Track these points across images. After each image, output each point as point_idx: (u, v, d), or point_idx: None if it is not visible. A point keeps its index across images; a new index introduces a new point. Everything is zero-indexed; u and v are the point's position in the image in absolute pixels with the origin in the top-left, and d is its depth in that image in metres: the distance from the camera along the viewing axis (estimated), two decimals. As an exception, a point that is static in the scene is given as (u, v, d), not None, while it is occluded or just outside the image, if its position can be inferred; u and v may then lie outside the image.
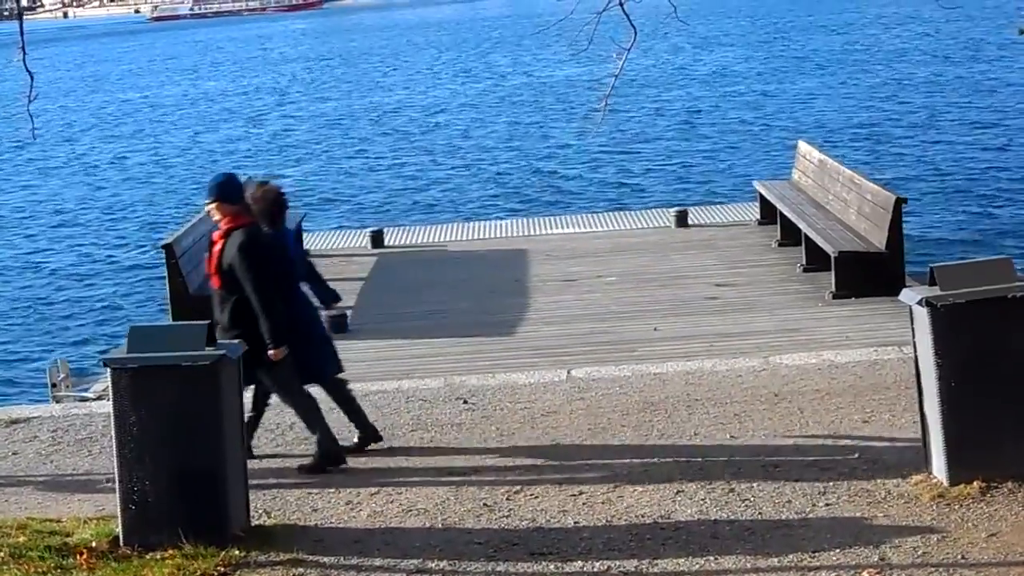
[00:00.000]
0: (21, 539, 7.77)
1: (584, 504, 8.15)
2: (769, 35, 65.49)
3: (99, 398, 11.45)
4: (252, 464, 8.63)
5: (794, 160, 18.13)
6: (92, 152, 41.00)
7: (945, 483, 7.90)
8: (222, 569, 7.36)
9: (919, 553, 7.13)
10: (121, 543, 7.66)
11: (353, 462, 9.24)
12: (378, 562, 7.50)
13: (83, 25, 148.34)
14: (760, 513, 7.83)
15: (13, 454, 9.93)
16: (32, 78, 8.93)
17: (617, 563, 7.26)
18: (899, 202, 13.64)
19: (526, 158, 32.91)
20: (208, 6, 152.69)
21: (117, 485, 7.69)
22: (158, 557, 7.46)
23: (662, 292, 14.58)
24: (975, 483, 7.81)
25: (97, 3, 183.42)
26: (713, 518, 7.80)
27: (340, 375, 9.57)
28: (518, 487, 8.51)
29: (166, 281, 14.18)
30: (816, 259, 14.56)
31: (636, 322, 13.35)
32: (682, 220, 18.16)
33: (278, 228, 9.34)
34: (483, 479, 8.71)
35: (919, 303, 7.88)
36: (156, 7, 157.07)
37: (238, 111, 49.92)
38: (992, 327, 7.84)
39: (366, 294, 15.47)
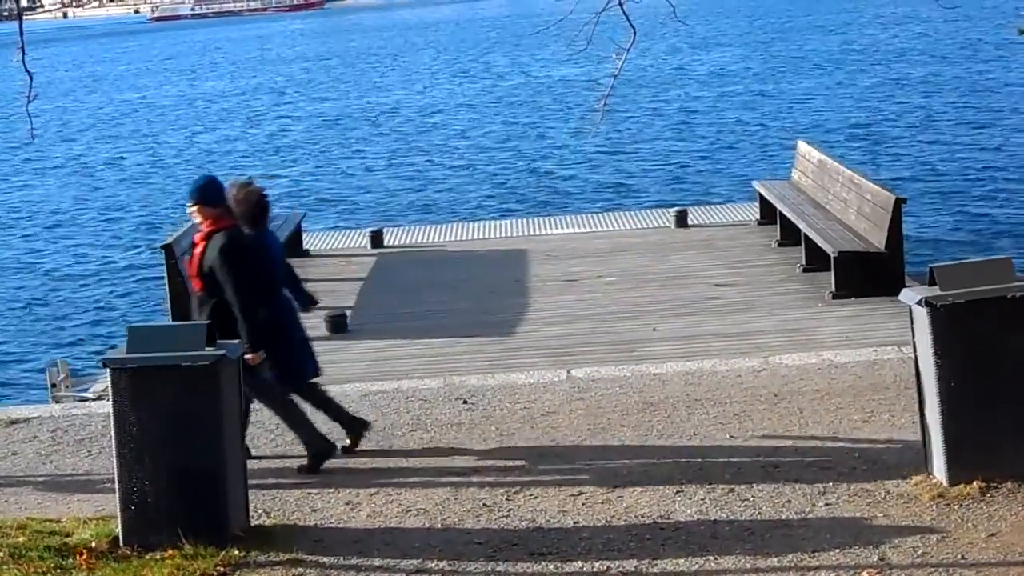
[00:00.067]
0: (21, 539, 7.77)
1: (584, 504, 8.15)
2: (767, 35, 65.49)
3: (99, 398, 11.45)
4: (251, 464, 8.64)
5: (793, 160, 18.14)
6: (90, 152, 41.00)
7: (945, 483, 7.90)
8: (222, 569, 7.37)
9: (919, 553, 7.13)
10: (121, 543, 7.67)
11: (353, 462, 9.24)
12: (378, 562, 7.50)
13: (84, 25, 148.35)
14: (759, 513, 7.83)
15: (13, 454, 9.93)
16: (31, 78, 8.93)
17: (617, 563, 7.26)
18: (899, 202, 13.64)
19: (525, 158, 32.91)
20: (209, 6, 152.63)
21: (117, 485, 7.70)
22: (158, 557, 7.47)
23: (662, 292, 14.58)
24: (975, 483, 7.81)
25: (96, 3, 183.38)
26: (713, 518, 7.80)
27: (315, 379, 9.54)
28: (518, 487, 8.51)
29: (165, 281, 14.18)
30: (816, 259, 14.57)
31: (636, 322, 13.35)
32: (682, 220, 18.16)
33: (260, 230, 9.32)
34: (483, 479, 8.71)
35: (919, 303, 7.88)
36: (157, 7, 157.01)
37: (237, 111, 49.92)
38: (992, 327, 7.84)
39: (366, 294, 15.47)
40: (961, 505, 7.68)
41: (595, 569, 7.22)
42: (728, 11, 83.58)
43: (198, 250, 8.88)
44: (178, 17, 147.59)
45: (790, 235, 15.92)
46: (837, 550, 7.23)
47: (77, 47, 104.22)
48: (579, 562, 7.31)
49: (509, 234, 18.87)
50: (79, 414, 10.83)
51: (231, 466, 7.77)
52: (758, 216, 17.90)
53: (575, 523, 7.88)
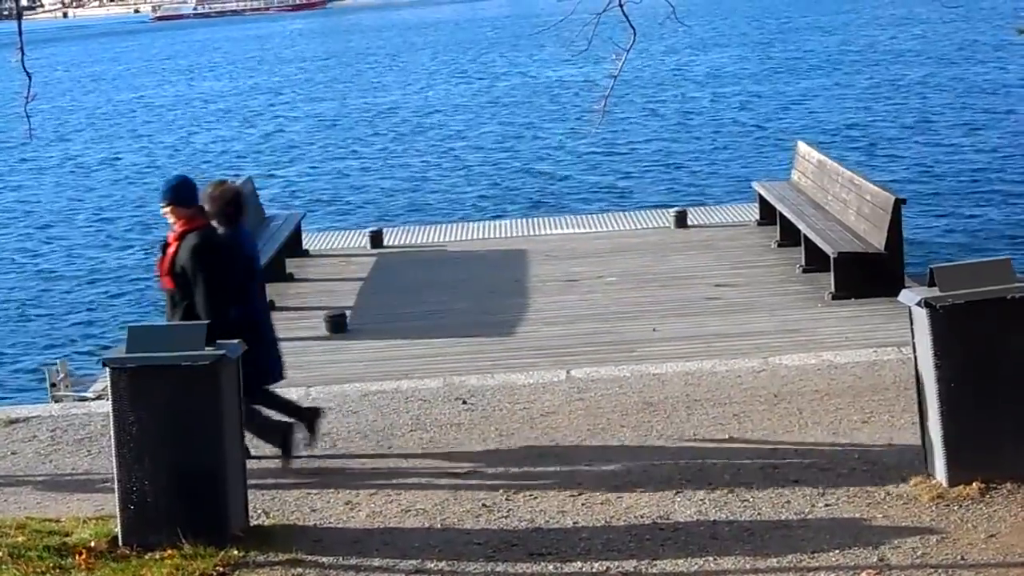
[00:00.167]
0: (20, 539, 7.77)
1: (583, 504, 8.15)
2: (765, 36, 65.46)
3: (98, 398, 11.45)
4: (251, 464, 8.63)
5: (792, 161, 18.14)
6: (86, 152, 40.96)
7: (944, 484, 7.90)
8: (221, 569, 7.37)
9: (918, 554, 7.13)
10: (120, 543, 7.66)
11: (352, 463, 9.24)
12: (377, 562, 7.50)
13: (86, 25, 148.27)
14: (759, 514, 7.83)
15: (12, 454, 9.93)
16: (30, 79, 8.93)
17: (616, 564, 7.26)
18: (898, 203, 13.63)
19: (525, 159, 32.90)
20: (211, 6, 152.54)
21: (116, 485, 7.70)
22: (157, 557, 7.47)
23: (661, 292, 14.58)
24: (974, 484, 7.81)
25: (97, 3, 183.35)
26: (712, 519, 7.80)
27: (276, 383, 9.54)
28: (517, 487, 8.51)
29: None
30: (815, 260, 14.57)
31: (635, 322, 13.35)
32: (681, 220, 18.15)
33: (235, 227, 9.33)
34: (482, 479, 8.71)
35: (918, 304, 7.88)
36: (159, 7, 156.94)
37: (236, 111, 49.90)
38: (991, 328, 7.84)
39: (365, 294, 15.46)
40: (961, 506, 7.68)
41: (594, 569, 7.21)
42: (726, 12, 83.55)
43: (171, 250, 8.91)
44: (181, 16, 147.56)
45: (790, 236, 15.92)
46: (837, 551, 7.23)
47: (77, 47, 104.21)
48: (578, 562, 7.31)
49: (509, 234, 18.87)
50: (78, 414, 10.82)
51: (231, 466, 7.77)
52: (758, 216, 17.90)
53: (574, 523, 7.88)
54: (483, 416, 10.11)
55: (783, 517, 7.76)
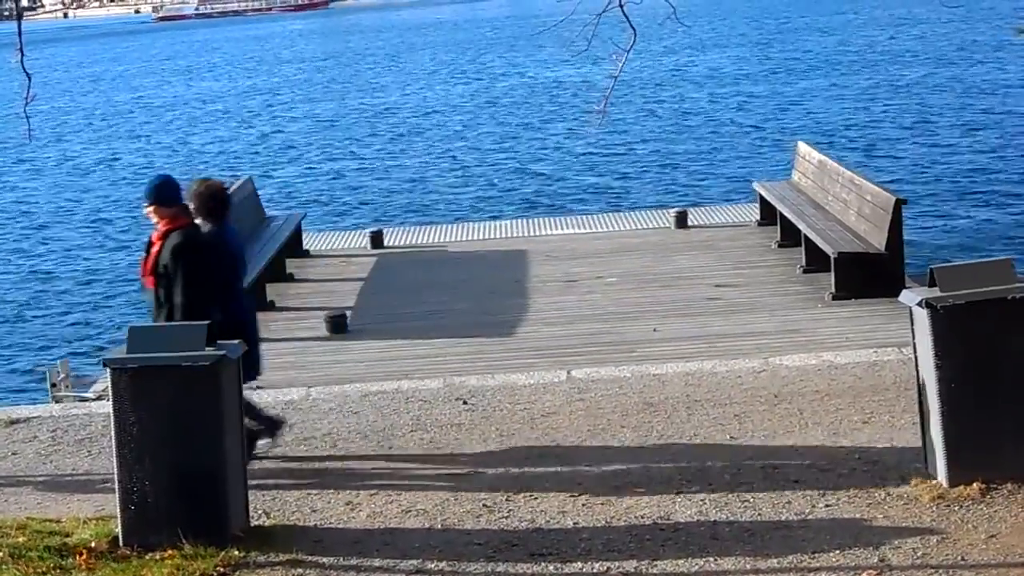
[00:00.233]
0: (21, 539, 7.77)
1: (584, 505, 8.15)
2: (764, 36, 65.43)
3: (99, 398, 11.45)
4: (251, 465, 8.63)
5: (792, 161, 18.13)
6: (85, 152, 40.94)
7: (945, 484, 7.91)
8: (221, 569, 7.37)
9: (919, 554, 7.13)
10: (120, 543, 7.67)
11: (353, 463, 9.24)
12: (377, 563, 7.50)
13: (88, 25, 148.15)
14: (759, 514, 7.83)
15: (13, 454, 9.93)
16: (29, 79, 8.93)
17: (617, 564, 7.26)
18: (899, 203, 13.64)
19: (525, 159, 32.90)
20: (213, 6, 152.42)
21: (116, 485, 7.70)
22: (157, 557, 7.47)
23: (662, 293, 14.58)
24: (975, 484, 7.82)
25: (97, 3, 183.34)
26: (713, 519, 7.80)
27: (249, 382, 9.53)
28: (517, 488, 8.51)
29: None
30: (816, 260, 14.56)
31: (636, 323, 13.35)
32: (682, 221, 18.15)
33: (219, 224, 9.34)
34: (483, 480, 8.71)
35: (919, 304, 7.89)
36: (162, 7, 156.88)
37: (237, 112, 49.89)
38: (992, 328, 7.85)
39: (366, 295, 15.46)
40: (961, 506, 7.68)
41: (595, 570, 7.22)
42: (725, 12, 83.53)
43: (154, 249, 8.93)
44: (183, 17, 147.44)
45: (790, 236, 15.92)
46: (837, 551, 7.23)
47: (77, 47, 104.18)
48: (579, 563, 7.31)
49: (509, 235, 18.87)
50: (79, 414, 10.82)
51: (231, 466, 7.77)
52: (758, 217, 17.89)
53: (575, 524, 7.88)
54: (483, 416, 10.11)
55: (784, 518, 7.76)
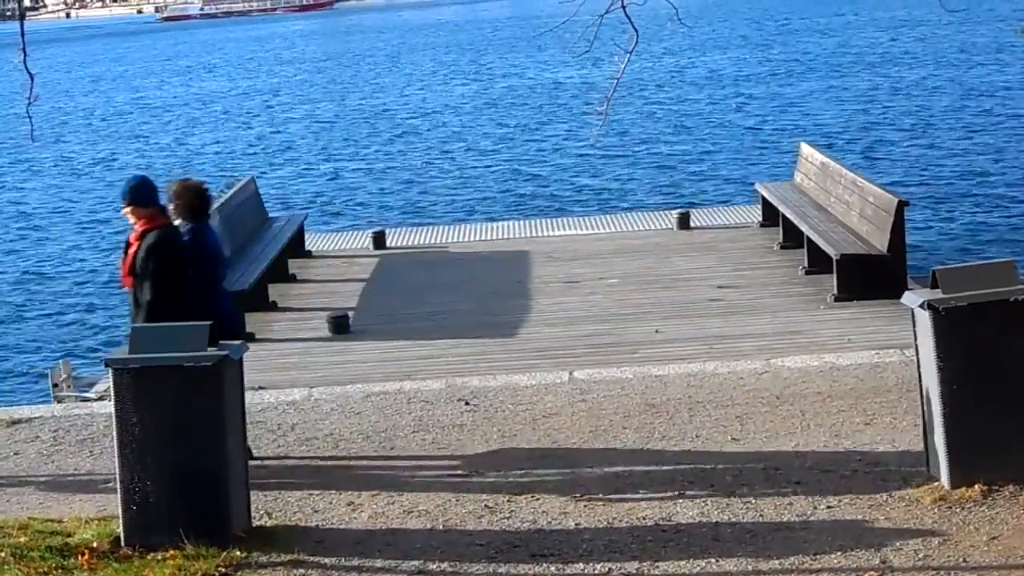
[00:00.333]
0: (22, 539, 7.77)
1: (585, 506, 8.15)
2: (764, 38, 65.40)
3: (100, 398, 11.45)
4: (253, 465, 8.63)
5: (794, 162, 18.13)
6: (84, 152, 40.95)
7: (946, 486, 7.90)
8: (223, 570, 7.37)
9: (920, 556, 7.13)
10: (122, 543, 7.67)
11: (355, 464, 9.25)
12: (379, 563, 7.50)
13: (92, 25, 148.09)
14: (761, 515, 7.83)
15: (15, 454, 9.93)
16: (32, 79, 8.94)
17: (618, 565, 7.26)
18: (901, 205, 13.63)
19: (526, 160, 32.90)
20: (218, 6, 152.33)
21: (118, 485, 7.70)
22: (159, 557, 7.47)
23: (664, 294, 14.57)
24: (976, 486, 7.81)
25: (100, 4, 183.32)
26: (714, 520, 7.80)
27: None
28: (519, 489, 8.51)
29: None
30: (818, 261, 14.56)
31: (638, 324, 13.34)
32: (684, 222, 18.15)
33: (200, 222, 9.35)
34: (484, 481, 8.72)
35: (921, 306, 7.88)
36: (166, 7, 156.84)
37: (240, 112, 49.90)
38: (994, 330, 7.85)
39: (368, 295, 15.47)
40: (963, 508, 7.68)
41: (596, 571, 7.22)
42: (726, 14, 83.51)
43: (132, 250, 8.95)
44: (188, 17, 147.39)
45: (792, 237, 15.92)
46: (839, 553, 7.23)
47: (79, 47, 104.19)
48: (580, 564, 7.31)
49: (511, 235, 18.88)
50: (81, 414, 10.83)
51: (233, 467, 7.77)
52: (760, 218, 17.89)
53: (576, 525, 7.88)
54: (485, 417, 10.11)
55: (785, 519, 7.76)
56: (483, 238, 18.86)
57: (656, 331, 13.01)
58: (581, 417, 9.95)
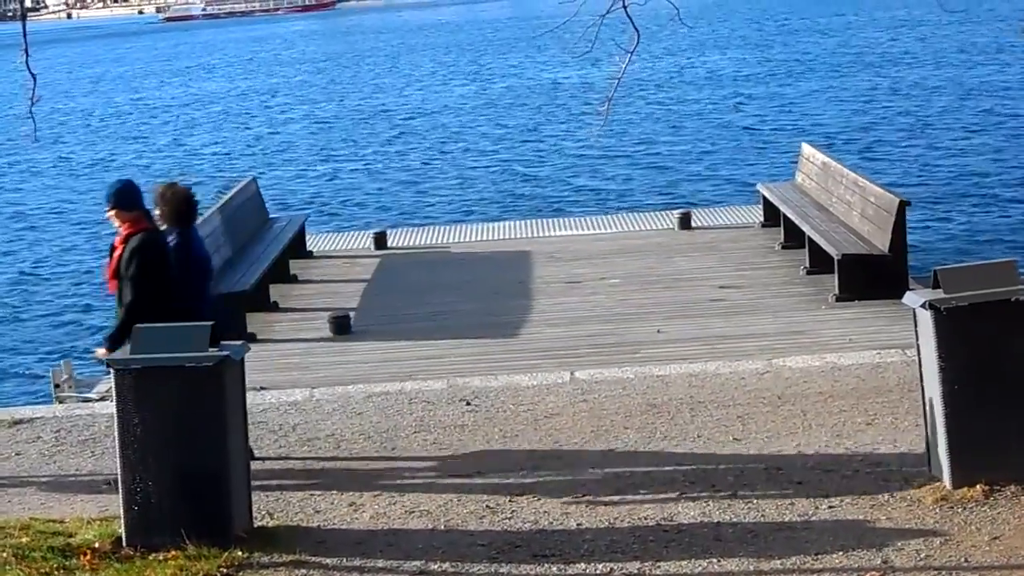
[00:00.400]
0: (24, 540, 7.78)
1: (587, 506, 8.16)
2: (765, 38, 65.37)
3: (102, 399, 11.45)
4: (255, 465, 8.64)
5: (796, 163, 18.13)
6: (85, 152, 40.95)
7: (948, 486, 7.90)
8: (225, 570, 7.37)
9: (922, 556, 7.13)
10: (124, 544, 7.67)
11: (357, 464, 9.25)
12: (380, 563, 7.51)
13: (95, 26, 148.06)
14: (763, 516, 7.83)
15: (16, 455, 9.94)
16: (35, 79, 8.95)
17: (620, 565, 7.26)
18: (903, 205, 13.63)
19: (528, 160, 32.90)
20: (221, 7, 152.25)
21: (120, 486, 7.70)
22: (161, 558, 7.47)
23: (665, 294, 14.57)
24: (978, 486, 7.81)
25: (101, 4, 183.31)
26: (716, 520, 7.80)
27: None
28: (521, 489, 8.51)
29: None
30: (819, 261, 14.56)
31: (639, 324, 13.34)
32: (685, 222, 18.14)
33: (186, 227, 9.35)
34: (486, 481, 8.72)
35: (922, 306, 7.88)
36: (168, 7, 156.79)
37: (241, 113, 49.90)
38: (995, 330, 7.85)
39: (369, 295, 15.47)
40: (964, 508, 7.68)
41: (598, 571, 7.22)
42: (726, 14, 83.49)
43: (117, 253, 8.95)
44: (191, 17, 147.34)
45: (794, 237, 15.91)
46: (840, 553, 7.23)
47: (80, 48, 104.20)
48: (582, 564, 7.31)
49: (512, 236, 18.87)
50: (82, 415, 10.83)
51: (234, 467, 7.77)
52: (762, 218, 17.88)
53: (578, 525, 7.88)
54: (487, 417, 10.11)
55: (787, 519, 7.76)
56: (484, 238, 18.86)
57: (658, 331, 13.01)
58: (583, 417, 9.96)
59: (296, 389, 11.32)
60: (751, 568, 7.17)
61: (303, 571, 7.41)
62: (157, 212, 9.26)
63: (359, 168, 33.85)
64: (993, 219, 22.77)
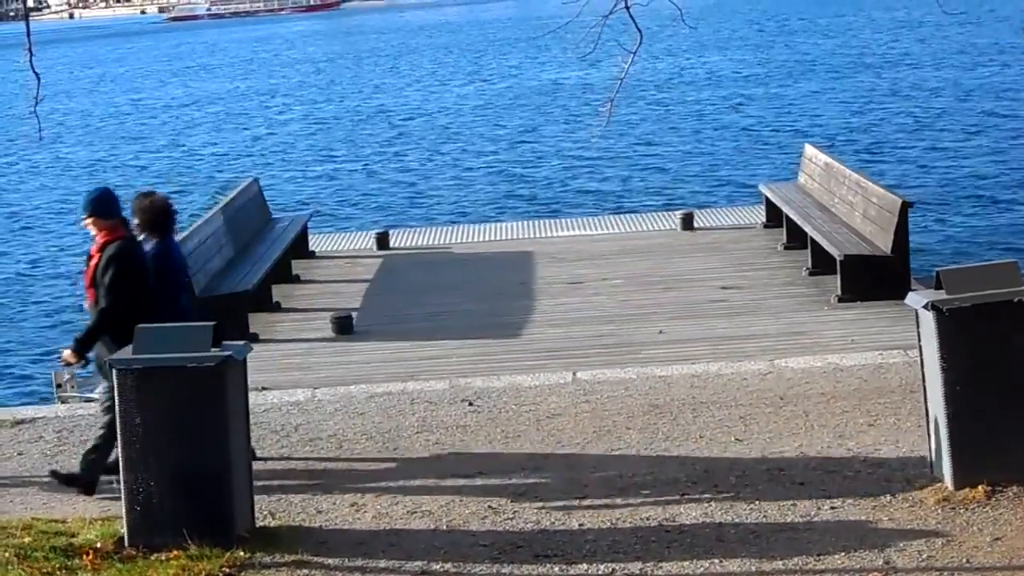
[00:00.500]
0: (26, 539, 7.78)
1: (589, 506, 8.15)
2: (766, 39, 65.35)
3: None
4: (257, 466, 8.64)
5: (796, 164, 18.12)
6: (86, 152, 40.95)
7: (950, 487, 7.90)
8: (227, 570, 7.38)
9: (924, 557, 7.13)
10: (126, 544, 7.68)
11: (359, 465, 9.25)
12: (382, 564, 7.51)
13: (99, 26, 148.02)
14: (765, 516, 7.83)
15: (18, 454, 9.94)
16: (39, 79, 8.95)
17: (622, 566, 7.26)
18: (905, 206, 13.63)
19: (529, 161, 32.90)
20: (225, 7, 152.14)
21: (122, 486, 7.71)
22: (163, 558, 7.48)
23: (667, 295, 14.57)
24: (980, 487, 7.81)
25: (103, 4, 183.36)
26: (718, 521, 7.80)
27: None
28: (523, 489, 8.52)
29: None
30: (822, 262, 14.55)
31: (641, 325, 13.34)
32: (687, 223, 18.14)
33: (164, 237, 9.35)
34: (488, 481, 8.72)
35: (925, 307, 7.88)
36: (172, 7, 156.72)
37: (244, 113, 49.91)
38: (998, 331, 7.84)
39: (371, 296, 15.47)
40: (967, 509, 7.67)
41: (600, 571, 7.22)
42: (727, 14, 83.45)
43: (93, 262, 8.95)
44: (195, 17, 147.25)
45: (796, 238, 15.91)
46: (842, 553, 7.23)
47: (81, 48, 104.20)
48: (584, 564, 7.31)
49: (514, 236, 18.87)
50: (84, 415, 10.82)
51: (236, 467, 7.77)
52: (764, 219, 17.88)
53: (580, 525, 7.88)
54: (489, 418, 10.11)
55: (789, 520, 7.76)
56: (486, 239, 18.86)
57: (660, 332, 13.01)
58: (585, 418, 9.96)
59: (298, 389, 11.32)
60: (753, 569, 7.17)
61: (305, 571, 7.41)
62: (135, 221, 9.26)
63: (361, 168, 33.85)
64: (994, 220, 22.75)
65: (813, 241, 14.79)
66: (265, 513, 8.26)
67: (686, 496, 8.20)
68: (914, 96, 39.36)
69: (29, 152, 39.79)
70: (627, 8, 9.32)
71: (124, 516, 7.72)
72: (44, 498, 8.92)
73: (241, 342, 8.18)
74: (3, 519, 8.28)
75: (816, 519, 7.75)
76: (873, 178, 15.63)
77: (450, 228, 20.55)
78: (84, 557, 7.52)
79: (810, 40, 62.48)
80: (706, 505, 8.04)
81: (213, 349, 7.67)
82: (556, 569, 7.28)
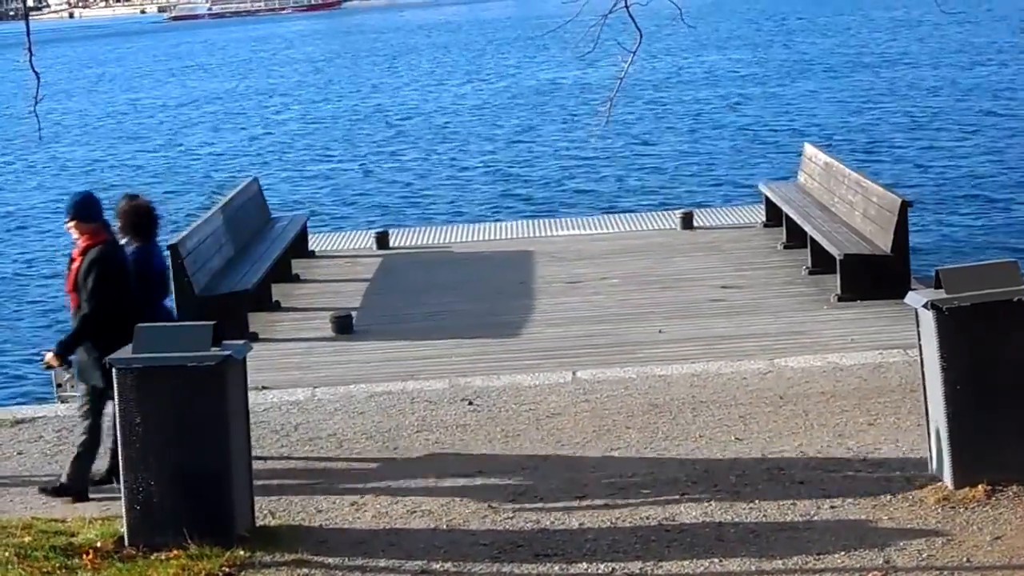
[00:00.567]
0: (26, 539, 7.78)
1: (589, 506, 8.16)
2: (765, 38, 65.35)
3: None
4: (257, 465, 8.64)
5: (795, 163, 18.12)
6: (83, 154, 40.94)
7: (950, 486, 7.90)
8: (227, 570, 7.38)
9: (924, 556, 7.13)
10: (126, 543, 7.68)
11: (358, 464, 9.25)
12: (382, 563, 7.51)
13: (100, 25, 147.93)
14: (765, 516, 7.83)
15: (18, 454, 9.95)
16: (39, 79, 8.95)
17: (622, 565, 7.26)
18: (905, 205, 13.63)
19: (529, 160, 32.90)
20: (226, 6, 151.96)
21: (122, 485, 7.71)
22: (163, 557, 7.48)
23: (667, 294, 14.57)
24: (980, 486, 7.81)
25: (103, 4, 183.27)
26: (718, 520, 7.80)
27: None
28: (523, 489, 8.52)
29: (171, 281, 14.14)
30: (821, 261, 14.56)
31: (641, 324, 13.34)
32: (687, 222, 18.14)
33: (147, 241, 9.35)
34: (488, 480, 8.72)
35: (924, 306, 7.89)
36: (173, 7, 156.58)
37: (242, 113, 49.90)
38: (997, 330, 7.84)
39: (371, 295, 15.47)
40: (966, 508, 7.68)
41: (600, 571, 7.22)
42: (727, 14, 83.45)
43: (75, 265, 8.95)
44: (196, 17, 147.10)
45: (796, 237, 15.91)
46: (842, 553, 7.23)
47: (81, 47, 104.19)
48: (584, 564, 7.31)
49: (514, 236, 18.87)
50: (84, 414, 10.81)
51: (236, 466, 7.77)
52: (764, 218, 17.88)
53: (580, 525, 7.88)
54: (489, 417, 10.12)
55: (789, 519, 7.76)
56: (486, 238, 18.86)
57: (659, 331, 13.01)
58: (584, 417, 9.96)
59: (298, 389, 11.33)
60: (753, 568, 7.17)
61: (305, 571, 7.41)
62: (118, 225, 9.26)
63: (362, 168, 33.84)
64: (993, 220, 22.76)
65: (813, 240, 14.79)
66: (265, 512, 8.27)
67: (686, 495, 8.21)
68: (912, 95, 39.36)
69: (26, 152, 39.77)
70: (627, 7, 9.33)
71: (124, 515, 7.72)
72: (44, 498, 8.91)
73: (241, 341, 8.19)
74: (3, 519, 8.28)
75: (816, 518, 7.75)
76: (872, 177, 15.63)
77: (450, 228, 20.54)
78: (84, 557, 7.52)
79: (808, 39, 62.49)
80: (706, 504, 8.04)
81: (213, 348, 7.67)
82: (556, 568, 7.28)
